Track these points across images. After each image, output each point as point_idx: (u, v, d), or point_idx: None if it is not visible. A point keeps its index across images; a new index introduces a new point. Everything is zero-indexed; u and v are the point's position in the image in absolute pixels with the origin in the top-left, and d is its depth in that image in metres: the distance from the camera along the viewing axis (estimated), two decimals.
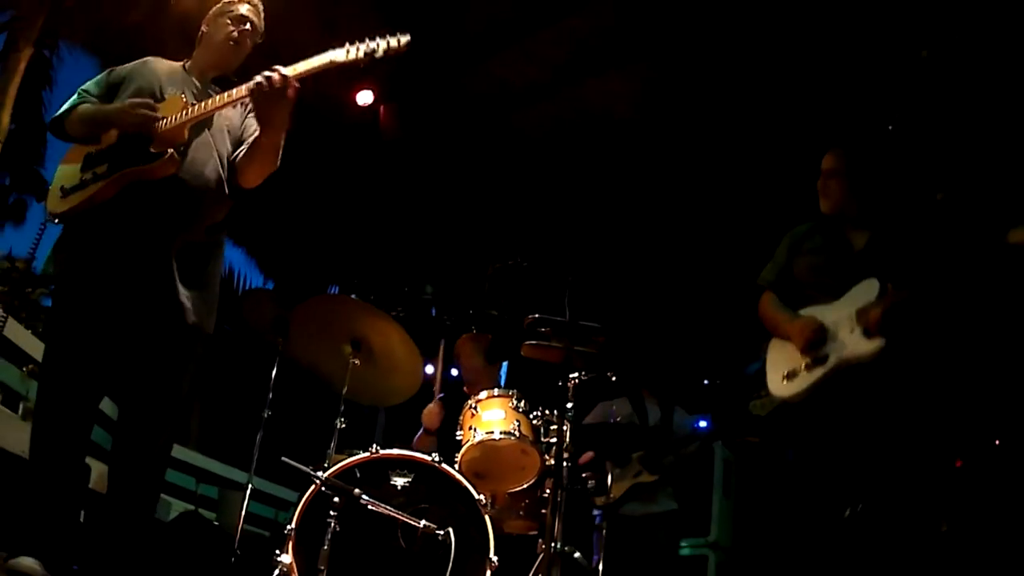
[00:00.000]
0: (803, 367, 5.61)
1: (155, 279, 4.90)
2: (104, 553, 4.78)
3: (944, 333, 5.75)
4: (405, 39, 4.81)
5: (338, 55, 4.84)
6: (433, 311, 14.32)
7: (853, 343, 5.42)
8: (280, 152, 5.18)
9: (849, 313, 5.49)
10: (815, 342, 5.57)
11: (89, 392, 4.94)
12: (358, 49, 4.80)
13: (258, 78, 4.79)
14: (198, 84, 5.38)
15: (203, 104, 4.94)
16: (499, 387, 6.72)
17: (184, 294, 5.00)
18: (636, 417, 8.78)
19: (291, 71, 4.85)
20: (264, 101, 4.81)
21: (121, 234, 4.88)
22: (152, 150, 4.85)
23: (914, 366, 5.46)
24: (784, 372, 5.73)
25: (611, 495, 8.36)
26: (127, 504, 4.90)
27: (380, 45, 4.79)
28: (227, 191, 5.24)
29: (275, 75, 4.75)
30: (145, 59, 5.53)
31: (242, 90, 4.85)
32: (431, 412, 7.99)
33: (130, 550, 4.83)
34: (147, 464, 4.99)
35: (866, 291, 5.52)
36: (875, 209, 5.86)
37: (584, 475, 8.01)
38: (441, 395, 8.29)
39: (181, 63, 5.53)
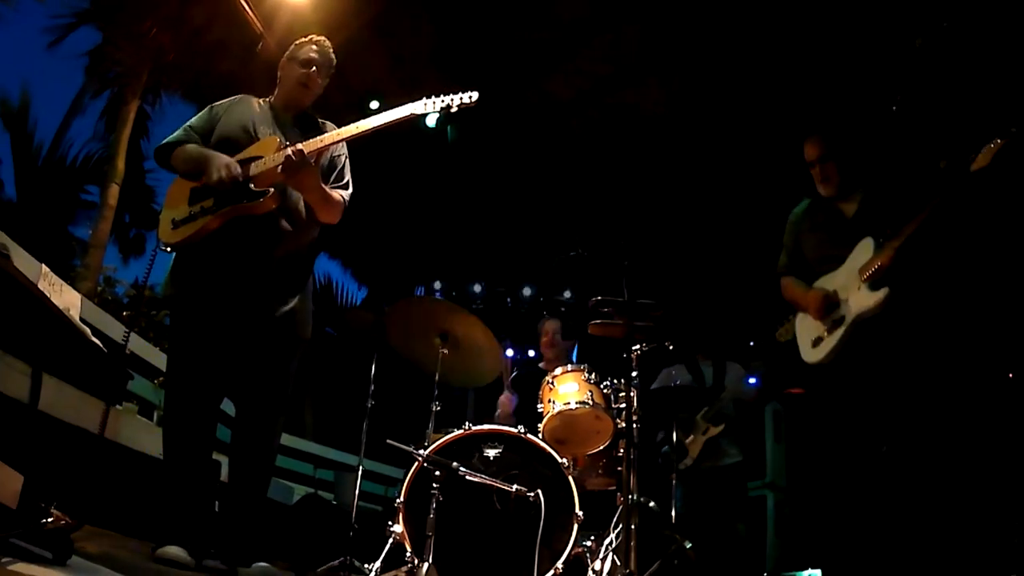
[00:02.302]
0: (825, 332, 5.71)
1: (262, 296, 5.04)
2: (234, 535, 4.92)
3: (941, 273, 5.76)
4: (475, 95, 5.00)
5: (417, 107, 5.02)
6: (508, 301, 14.37)
7: (862, 299, 5.49)
8: (327, 203, 5.29)
9: (853, 273, 5.55)
10: (827, 308, 5.67)
11: (210, 396, 5.06)
12: (435, 103, 4.99)
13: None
14: (284, 120, 5.48)
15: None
16: (572, 362, 6.79)
17: (287, 308, 5.15)
18: (694, 380, 8.85)
19: (364, 125, 5.06)
20: (289, 170, 4.94)
21: (231, 259, 4.99)
22: (253, 187, 4.97)
23: (920, 309, 5.48)
24: (811, 340, 5.84)
25: (690, 455, 8.46)
26: (246, 489, 5.06)
27: (455, 100, 4.99)
28: (316, 219, 5.37)
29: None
30: (239, 97, 5.63)
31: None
32: (505, 401, 8.09)
33: (254, 529, 4.99)
34: (262, 454, 5.15)
35: (863, 250, 5.57)
36: (861, 178, 5.89)
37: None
38: (513, 374, 8.33)
39: (268, 100, 5.61)
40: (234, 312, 4.99)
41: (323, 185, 5.23)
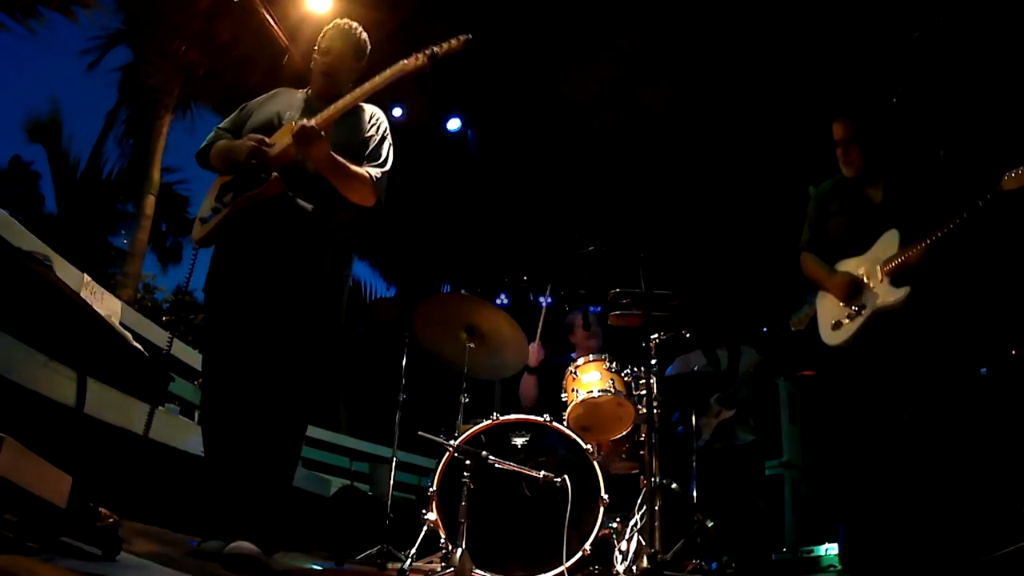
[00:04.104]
0: (845, 317, 5.72)
1: (282, 282, 4.85)
2: (260, 525, 4.60)
3: (958, 275, 5.76)
4: (464, 37, 4.92)
5: (406, 64, 4.93)
6: (532, 296, 14.40)
7: (884, 293, 5.51)
8: (347, 178, 5.03)
9: (877, 264, 5.56)
10: (851, 294, 5.67)
11: (242, 388, 4.86)
12: (423, 55, 4.90)
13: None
14: (317, 108, 5.18)
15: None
16: (594, 353, 6.81)
17: (311, 292, 4.94)
18: (710, 365, 8.85)
19: (357, 93, 4.98)
20: (299, 143, 4.79)
21: (249, 247, 4.92)
22: (263, 175, 4.86)
23: (938, 305, 5.48)
24: (831, 323, 5.84)
25: (703, 435, 8.47)
26: (265, 478, 4.73)
27: (441, 47, 4.89)
28: (343, 200, 5.11)
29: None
30: (277, 91, 5.59)
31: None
32: (527, 387, 8.08)
33: (274, 519, 4.71)
34: (282, 442, 4.86)
35: (888, 242, 5.57)
36: (886, 164, 5.88)
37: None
38: (541, 354, 8.33)
39: (305, 91, 5.48)
40: (255, 301, 4.84)
41: (338, 158, 4.96)
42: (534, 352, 7.97)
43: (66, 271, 6.11)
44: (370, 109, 5.42)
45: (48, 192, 22.69)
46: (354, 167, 5.05)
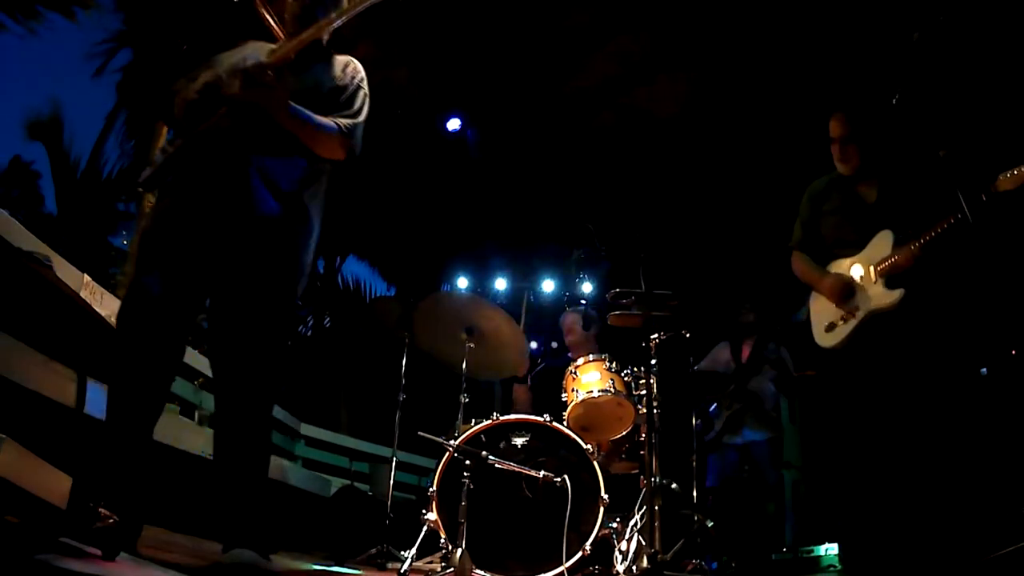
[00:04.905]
0: (839, 319, 5.70)
1: (220, 225, 4.29)
2: (261, 525, 4.04)
3: (953, 276, 5.74)
4: None
5: None
6: (531, 297, 14.39)
7: (879, 295, 5.49)
8: (307, 128, 4.50)
9: (871, 265, 5.55)
10: (844, 297, 5.65)
11: (157, 349, 4.18)
12: None
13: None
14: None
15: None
16: (594, 353, 6.80)
17: (248, 239, 4.30)
18: (733, 356, 8.85)
19: (324, 24, 4.50)
20: (247, 87, 4.29)
21: (190, 188, 4.38)
22: (211, 109, 4.40)
23: (933, 307, 5.46)
24: (825, 324, 5.82)
25: (715, 426, 8.48)
26: (234, 465, 4.14)
27: None
28: (305, 150, 4.58)
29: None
30: (245, 42, 4.94)
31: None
32: (519, 396, 8.08)
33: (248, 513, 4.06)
34: (243, 426, 4.20)
35: (881, 243, 5.56)
36: (880, 162, 5.86)
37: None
38: (537, 369, 8.32)
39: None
40: (194, 248, 4.28)
41: (299, 109, 4.45)
42: (522, 396, 8.00)
43: (66, 271, 6.10)
44: (345, 59, 4.99)
45: (48, 192, 22.63)
46: (319, 118, 4.57)
